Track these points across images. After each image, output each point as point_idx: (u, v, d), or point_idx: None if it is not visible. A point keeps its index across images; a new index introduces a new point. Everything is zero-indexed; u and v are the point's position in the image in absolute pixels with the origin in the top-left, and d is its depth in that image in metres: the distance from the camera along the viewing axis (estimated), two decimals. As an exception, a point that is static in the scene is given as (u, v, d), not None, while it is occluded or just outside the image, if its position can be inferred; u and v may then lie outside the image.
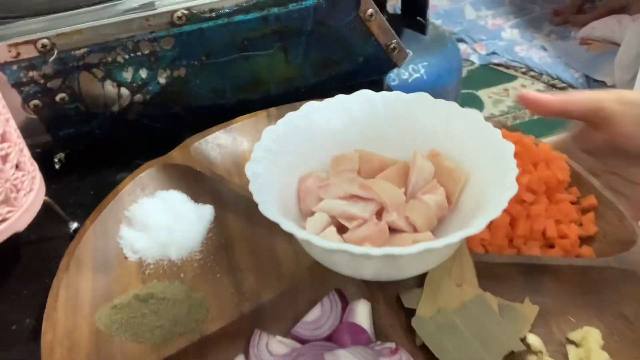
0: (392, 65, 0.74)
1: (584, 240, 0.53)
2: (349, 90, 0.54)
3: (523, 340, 0.46)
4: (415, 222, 0.47)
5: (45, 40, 0.57)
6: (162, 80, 0.65)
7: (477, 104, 2.21)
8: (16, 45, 0.57)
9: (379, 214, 0.47)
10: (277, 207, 0.44)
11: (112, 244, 0.56)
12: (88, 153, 0.68)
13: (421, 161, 0.49)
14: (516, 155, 0.52)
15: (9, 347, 0.49)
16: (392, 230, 0.47)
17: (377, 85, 0.78)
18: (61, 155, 0.68)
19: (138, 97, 0.65)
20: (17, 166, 0.51)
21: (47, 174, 0.57)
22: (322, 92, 0.62)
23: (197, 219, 0.58)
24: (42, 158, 0.56)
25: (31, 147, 0.54)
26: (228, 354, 0.46)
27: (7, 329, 0.52)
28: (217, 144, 0.65)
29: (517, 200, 0.52)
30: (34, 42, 0.57)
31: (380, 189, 0.46)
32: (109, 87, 0.64)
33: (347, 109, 0.53)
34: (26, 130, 0.53)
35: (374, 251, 0.38)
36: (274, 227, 0.54)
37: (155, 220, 0.57)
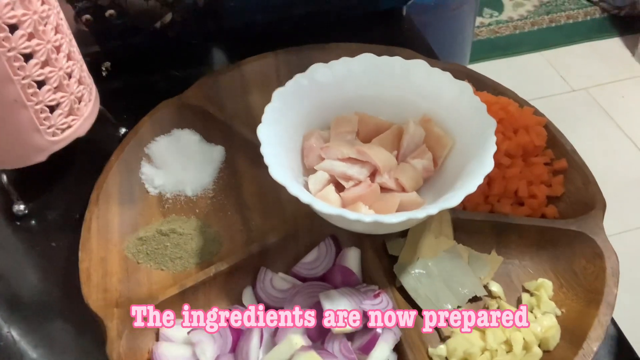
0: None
1: (551, 199, 0.60)
2: (370, 18, 0.56)
3: (486, 286, 0.54)
4: (404, 183, 0.53)
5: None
6: (200, 0, 0.70)
7: (497, 6, 2.16)
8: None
9: (373, 175, 0.54)
10: (284, 168, 0.51)
11: (135, 179, 0.63)
12: (131, 63, 0.75)
13: (413, 128, 0.55)
14: (500, 121, 0.59)
15: (74, 232, 0.57)
16: (384, 189, 0.54)
17: (396, 15, 0.83)
18: (107, 64, 0.74)
19: (178, 15, 0.71)
20: (79, 80, 0.57)
21: (95, 80, 0.63)
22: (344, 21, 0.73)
23: (209, 159, 0.65)
24: (91, 66, 0.62)
25: (82, 57, 0.60)
26: (238, 286, 0.54)
27: (71, 219, 0.61)
28: (229, 84, 0.70)
29: (495, 163, 0.58)
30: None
31: (375, 154, 0.53)
32: (153, 6, 0.69)
33: (350, 71, 0.57)
34: (78, 41, 0.59)
35: (365, 218, 0.46)
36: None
37: (171, 158, 0.64)
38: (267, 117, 0.53)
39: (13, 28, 0.49)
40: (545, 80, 1.90)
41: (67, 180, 0.65)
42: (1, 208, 0.63)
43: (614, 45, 2.03)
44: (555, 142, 0.62)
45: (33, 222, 0.62)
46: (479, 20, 2.07)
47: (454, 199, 0.46)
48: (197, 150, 0.65)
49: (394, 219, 0.46)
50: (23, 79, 0.51)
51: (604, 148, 1.68)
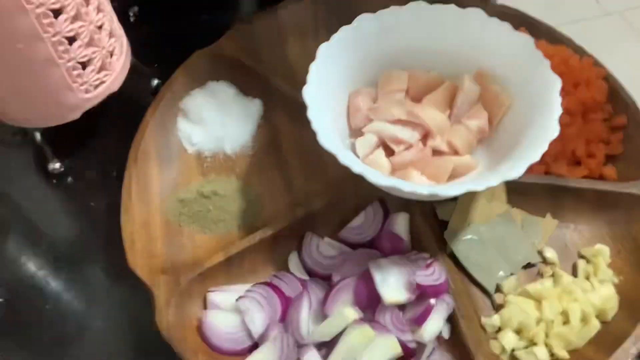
0: None
1: (609, 158, 0.57)
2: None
3: (540, 252, 0.52)
4: (457, 146, 0.51)
5: None
6: None
7: None
8: None
9: (425, 138, 0.51)
10: (332, 133, 0.48)
11: (172, 136, 0.60)
12: (159, 7, 0.71)
13: (468, 85, 0.52)
14: (560, 75, 0.54)
15: (113, 194, 0.55)
16: (436, 152, 0.51)
17: None
18: (135, 9, 0.71)
19: None
20: (110, 33, 0.54)
21: (123, 26, 0.60)
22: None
23: (247, 114, 0.62)
24: (118, 12, 0.59)
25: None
26: (283, 252, 0.53)
27: (108, 176, 0.60)
28: (264, 33, 0.66)
29: (553, 121, 0.55)
30: None
31: (427, 115, 0.50)
32: None
33: (399, 21, 0.53)
34: None
35: (421, 189, 0.43)
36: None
37: (208, 114, 0.61)
38: (312, 78, 0.49)
39: None
40: (578, 2, 1.79)
41: (102, 137, 0.64)
42: (37, 167, 0.62)
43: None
44: (616, 96, 0.58)
45: (70, 180, 0.61)
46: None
47: (516, 169, 0.44)
48: (234, 105, 0.62)
49: (452, 190, 0.44)
50: (53, 35, 0.48)
51: (638, 75, 1.60)
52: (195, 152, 0.60)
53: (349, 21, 0.66)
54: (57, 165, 0.61)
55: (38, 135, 0.60)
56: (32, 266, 0.56)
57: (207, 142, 0.61)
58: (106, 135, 0.64)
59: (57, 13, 0.48)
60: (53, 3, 0.47)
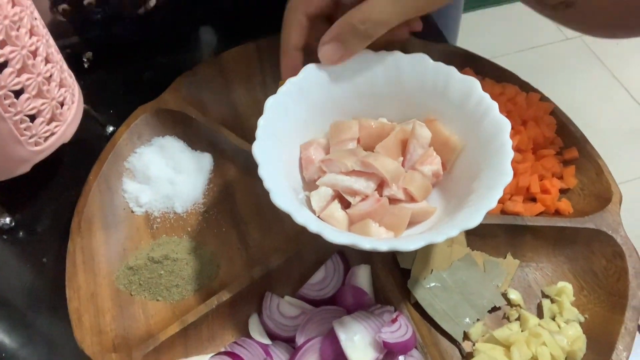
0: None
1: (564, 192, 0.57)
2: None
3: (504, 294, 0.52)
4: (414, 193, 0.49)
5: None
6: None
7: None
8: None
9: (380, 187, 0.50)
10: (285, 190, 0.46)
11: (118, 198, 0.58)
12: (114, 51, 0.69)
13: (419, 130, 0.51)
14: (508, 114, 0.55)
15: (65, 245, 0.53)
16: (392, 201, 0.50)
17: None
18: (89, 54, 0.69)
19: (162, 0, 0.65)
20: (60, 83, 0.52)
21: (76, 72, 0.58)
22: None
23: (197, 169, 0.60)
24: (71, 57, 0.58)
25: (61, 48, 0.55)
26: (243, 315, 0.51)
27: (61, 230, 0.56)
28: (208, 83, 0.64)
29: (506, 159, 0.55)
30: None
31: (381, 165, 0.49)
32: None
33: (345, 70, 0.52)
34: (55, 32, 0.54)
35: (381, 246, 0.42)
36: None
37: (156, 171, 0.59)
38: (261, 133, 0.48)
39: None
40: (539, 29, 1.84)
41: (54, 188, 0.60)
42: None
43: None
44: (565, 130, 0.59)
45: (21, 234, 0.58)
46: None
47: (474, 219, 0.43)
48: (183, 161, 0.60)
49: (412, 245, 0.42)
50: None
51: (597, 97, 1.64)
52: (143, 213, 0.58)
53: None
54: (8, 220, 0.58)
55: None
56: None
57: (155, 202, 0.58)
58: (59, 186, 0.61)
59: (1, 66, 0.46)
60: None
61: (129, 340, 0.49)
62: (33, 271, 0.56)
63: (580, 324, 0.50)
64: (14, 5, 0.46)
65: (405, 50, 0.62)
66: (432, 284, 0.51)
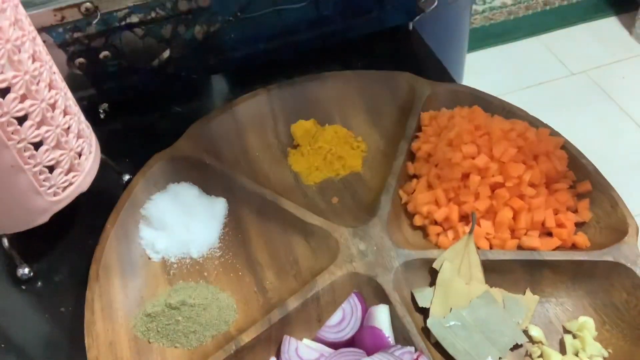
0: (420, 11, 0.76)
1: (580, 225, 0.57)
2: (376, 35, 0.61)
3: (525, 331, 0.51)
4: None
5: (88, 4, 0.59)
6: (198, 35, 0.66)
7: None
8: (61, 9, 0.58)
9: None
10: None
11: (135, 245, 0.58)
12: (130, 102, 0.71)
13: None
14: (519, 149, 0.55)
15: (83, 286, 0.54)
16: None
17: (403, 31, 0.79)
18: (105, 105, 0.71)
19: (176, 51, 0.67)
20: (78, 135, 0.53)
21: (93, 123, 0.59)
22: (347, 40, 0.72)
23: (212, 214, 0.61)
24: (88, 109, 0.59)
25: (78, 100, 0.56)
26: (261, 359, 0.50)
27: (80, 273, 0.56)
28: (222, 129, 0.66)
29: (519, 195, 0.55)
30: (77, 5, 0.58)
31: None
32: (149, 44, 0.65)
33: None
34: (72, 85, 0.56)
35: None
36: (287, 224, 0.57)
37: (171, 218, 0.59)
38: None
39: (4, 92, 0.45)
40: (543, 65, 1.85)
41: (72, 237, 0.61)
42: (5, 273, 0.59)
43: (611, 25, 1.98)
44: (576, 163, 0.59)
45: (39, 284, 0.58)
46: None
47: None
48: (198, 206, 0.61)
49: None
50: (18, 142, 0.47)
51: (606, 131, 1.64)
52: (160, 259, 0.58)
53: (304, 112, 0.67)
54: (26, 270, 0.58)
55: (5, 241, 0.58)
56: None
57: (172, 248, 0.58)
58: (77, 234, 0.61)
59: (22, 119, 0.47)
60: (17, 111, 0.46)
61: (148, 389, 0.48)
62: (51, 321, 0.56)
63: (604, 359, 0.49)
64: (34, 61, 0.48)
65: (413, 89, 0.64)
66: (452, 323, 0.50)
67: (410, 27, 0.79)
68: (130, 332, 0.53)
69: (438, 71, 0.74)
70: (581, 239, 0.55)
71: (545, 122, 0.62)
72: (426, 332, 0.50)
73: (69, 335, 0.54)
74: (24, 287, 0.58)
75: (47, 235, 0.59)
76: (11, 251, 0.58)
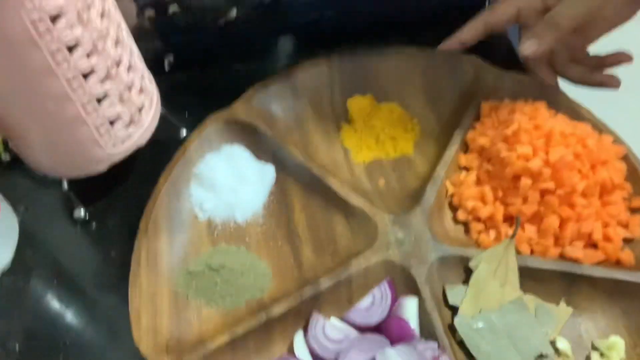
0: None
1: (628, 241, 0.55)
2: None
3: (553, 342, 0.51)
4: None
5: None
6: None
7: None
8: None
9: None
10: None
11: (184, 203, 0.60)
12: (193, 57, 0.73)
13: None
14: (576, 157, 0.53)
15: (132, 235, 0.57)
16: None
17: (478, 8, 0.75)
18: (170, 57, 0.72)
19: (242, 11, 0.68)
20: (140, 90, 0.55)
21: (156, 74, 0.61)
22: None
23: (261, 180, 0.62)
24: (153, 60, 0.60)
25: (144, 51, 0.58)
26: (289, 331, 0.53)
27: (130, 221, 0.59)
28: (278, 96, 0.66)
29: (569, 203, 0.53)
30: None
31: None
32: (217, 3, 0.66)
33: None
34: (140, 36, 0.57)
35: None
36: (330, 201, 0.58)
37: (221, 180, 0.61)
38: None
39: (71, 49, 0.46)
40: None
41: (127, 186, 0.64)
42: (63, 214, 0.63)
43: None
44: (635, 176, 0.57)
45: (93, 227, 0.62)
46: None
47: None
48: (248, 170, 0.62)
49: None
50: (83, 96, 0.49)
51: None
52: (206, 219, 0.60)
53: (363, 85, 0.66)
54: (82, 212, 0.62)
55: (65, 184, 0.62)
56: (51, 305, 0.57)
57: (218, 209, 0.60)
58: (131, 184, 0.64)
59: (86, 75, 0.49)
60: (84, 68, 0.48)
61: (181, 344, 0.51)
62: (102, 264, 0.59)
63: (629, 383, 0.48)
64: (102, 19, 0.49)
65: (479, 76, 0.62)
66: (480, 325, 0.51)
67: (487, 4, 0.76)
68: (172, 287, 0.56)
69: (508, 57, 0.71)
70: (627, 256, 0.54)
71: (614, 126, 0.59)
72: (452, 329, 0.51)
73: (117, 279, 0.57)
74: (79, 228, 0.62)
75: (104, 182, 0.62)
76: (69, 193, 0.62)
